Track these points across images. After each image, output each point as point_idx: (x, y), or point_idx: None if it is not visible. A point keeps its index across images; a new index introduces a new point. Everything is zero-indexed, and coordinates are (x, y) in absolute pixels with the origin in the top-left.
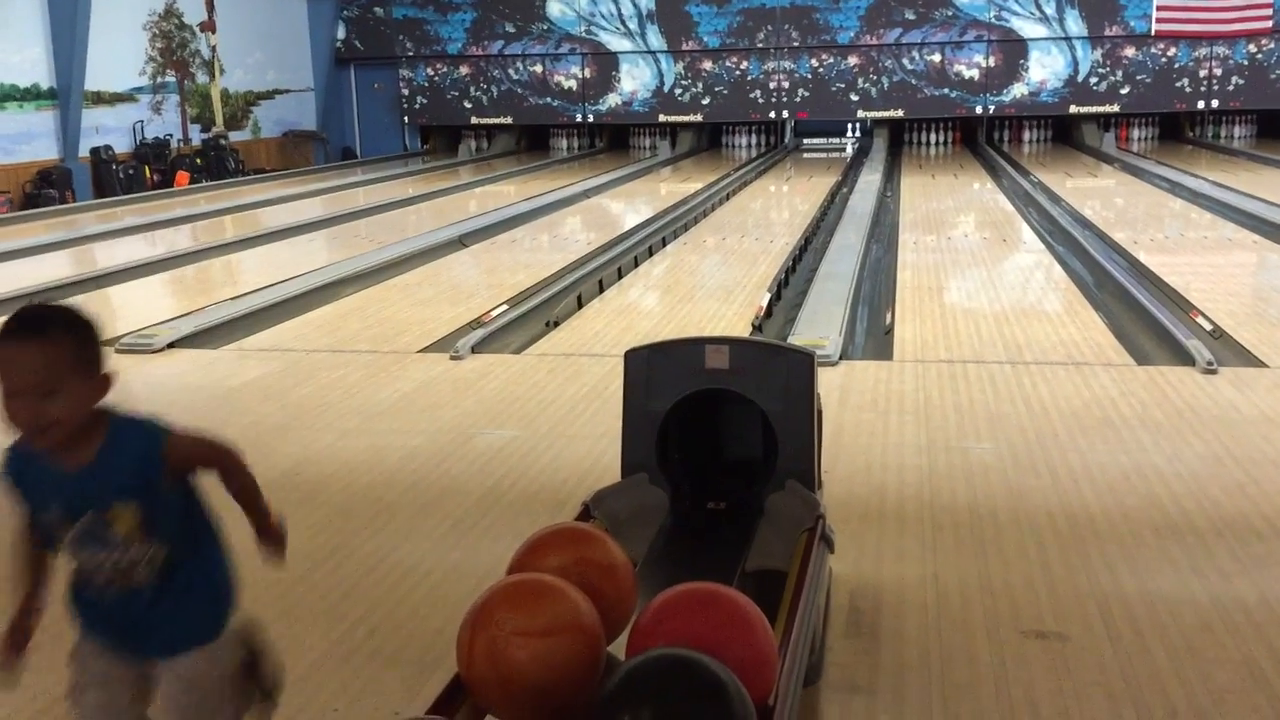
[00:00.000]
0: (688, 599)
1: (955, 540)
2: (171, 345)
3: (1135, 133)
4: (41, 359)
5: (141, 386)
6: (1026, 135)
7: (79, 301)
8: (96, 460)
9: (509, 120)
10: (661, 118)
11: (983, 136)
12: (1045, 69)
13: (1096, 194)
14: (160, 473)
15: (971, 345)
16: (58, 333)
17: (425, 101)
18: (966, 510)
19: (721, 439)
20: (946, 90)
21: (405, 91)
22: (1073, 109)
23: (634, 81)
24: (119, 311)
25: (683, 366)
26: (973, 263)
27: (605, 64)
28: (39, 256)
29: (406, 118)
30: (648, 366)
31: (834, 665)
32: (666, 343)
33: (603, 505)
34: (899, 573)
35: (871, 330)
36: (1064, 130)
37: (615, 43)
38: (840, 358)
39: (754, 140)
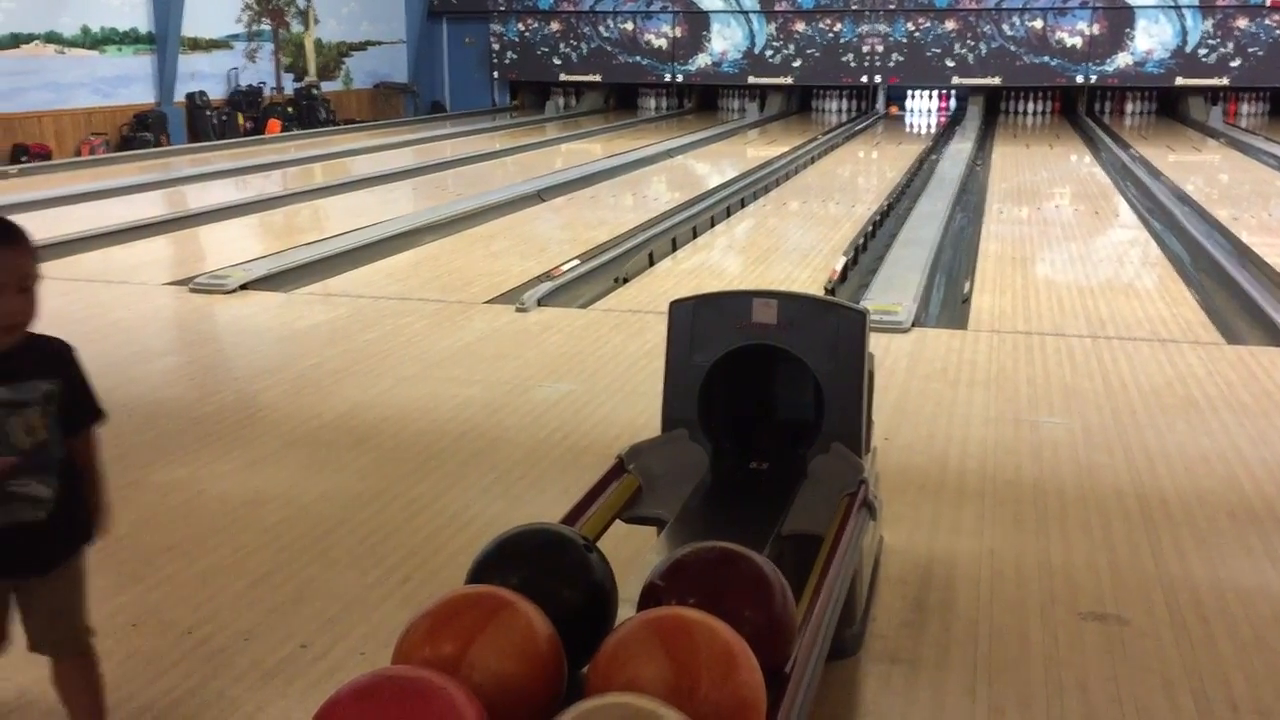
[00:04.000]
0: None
1: (1015, 516)
2: (244, 287)
3: (1244, 108)
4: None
5: (208, 326)
6: (1129, 107)
7: (166, 241)
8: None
9: (598, 78)
10: (751, 79)
11: (1083, 108)
12: (1152, 38)
13: (1200, 170)
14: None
15: (1052, 318)
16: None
17: (515, 57)
18: (1031, 486)
19: (769, 397)
20: (1047, 58)
21: (495, 46)
22: (1179, 81)
23: (725, 42)
24: (204, 252)
25: (729, 320)
26: (1062, 236)
27: (696, 23)
28: (132, 196)
29: (496, 73)
30: (693, 318)
31: (877, 637)
32: (713, 295)
33: (638, 460)
34: (953, 546)
35: (948, 299)
36: (1169, 103)
37: (707, 1)
38: (913, 325)
39: (844, 105)
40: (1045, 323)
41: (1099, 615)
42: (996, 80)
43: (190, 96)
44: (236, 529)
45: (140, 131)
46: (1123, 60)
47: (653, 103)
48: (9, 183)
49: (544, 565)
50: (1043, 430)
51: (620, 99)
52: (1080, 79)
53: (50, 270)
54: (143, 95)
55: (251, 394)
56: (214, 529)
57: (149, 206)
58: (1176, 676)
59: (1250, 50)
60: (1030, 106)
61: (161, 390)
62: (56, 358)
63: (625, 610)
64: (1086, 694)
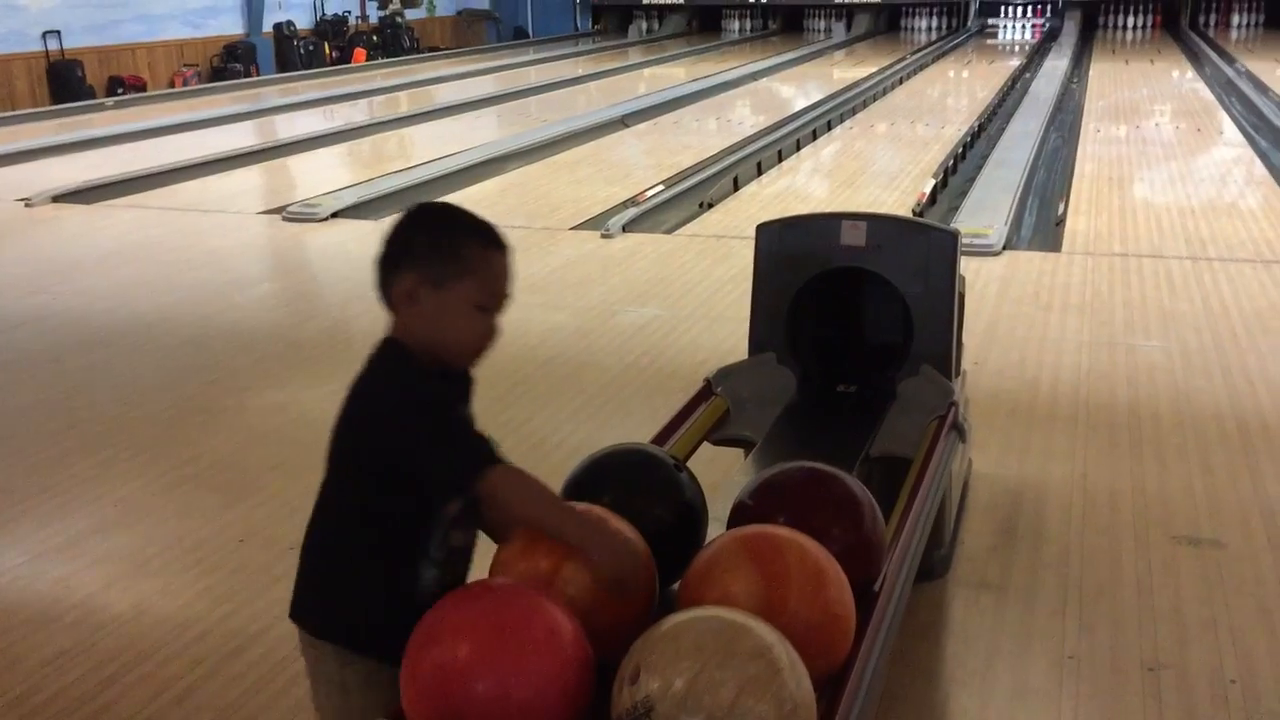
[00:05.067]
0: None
1: (1109, 441)
2: (335, 215)
3: None
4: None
5: (301, 254)
6: (1235, 19)
7: (258, 171)
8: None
9: (680, 1)
10: None
11: (1186, 21)
12: None
13: None
14: None
15: (1150, 240)
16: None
17: None
18: (1126, 410)
19: (858, 320)
20: None
21: None
22: None
23: None
24: (295, 181)
25: (817, 243)
26: (1162, 155)
27: None
28: (224, 127)
29: None
30: (780, 241)
31: (965, 560)
32: (801, 217)
33: (726, 382)
34: (1044, 471)
35: (1041, 221)
36: (1278, 14)
37: None
38: (1004, 248)
39: (934, 23)
40: (1143, 245)
41: (1194, 540)
42: None
43: (278, 27)
44: None
45: (230, 62)
46: None
47: (736, 25)
48: (106, 114)
49: (635, 483)
50: (1139, 354)
51: (704, 22)
52: None
53: (150, 200)
54: (231, 26)
55: (345, 320)
56: (314, 449)
57: (241, 136)
58: (1273, 602)
59: None
60: (1130, 20)
61: (259, 316)
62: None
63: (715, 529)
64: (1180, 618)
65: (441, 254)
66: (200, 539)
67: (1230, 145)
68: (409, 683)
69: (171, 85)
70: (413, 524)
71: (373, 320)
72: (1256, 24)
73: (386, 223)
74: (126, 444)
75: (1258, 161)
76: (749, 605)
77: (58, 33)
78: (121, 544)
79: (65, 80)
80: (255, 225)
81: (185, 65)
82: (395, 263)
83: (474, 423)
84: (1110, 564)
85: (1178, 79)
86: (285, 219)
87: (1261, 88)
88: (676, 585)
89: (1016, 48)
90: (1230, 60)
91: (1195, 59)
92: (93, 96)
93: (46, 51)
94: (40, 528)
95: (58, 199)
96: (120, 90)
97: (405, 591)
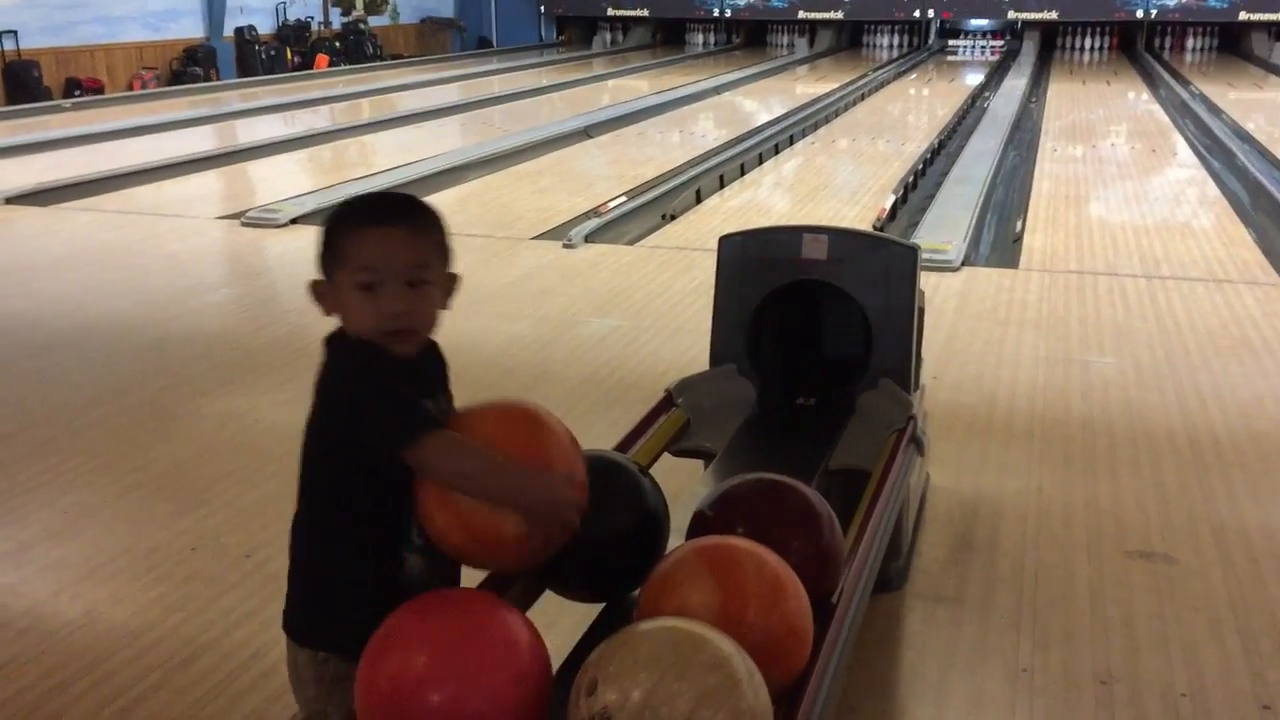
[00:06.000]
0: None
1: (1064, 455)
2: (295, 220)
3: None
4: (410, 242)
5: (260, 259)
6: (1190, 43)
7: (217, 175)
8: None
9: (645, 13)
10: (801, 14)
11: (1142, 43)
12: None
13: (1261, 107)
14: None
15: (1105, 257)
16: (425, 219)
17: None
18: (1080, 425)
19: (818, 333)
20: None
21: None
22: (1243, 16)
23: None
24: (255, 186)
25: (779, 255)
26: (1118, 175)
27: None
28: (183, 130)
29: (543, 8)
30: (742, 254)
31: (921, 573)
32: (763, 230)
33: (687, 393)
34: (1000, 485)
35: (999, 238)
36: (1231, 39)
37: None
38: (963, 263)
39: (896, 40)
40: (1098, 262)
41: (1146, 554)
42: (1053, 14)
43: (239, 31)
44: (291, 457)
45: (190, 66)
46: None
47: (700, 38)
48: (64, 116)
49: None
50: (1093, 370)
51: (668, 35)
52: (1140, 13)
53: (106, 203)
54: (192, 30)
55: (302, 326)
56: (270, 457)
57: (200, 141)
58: (1224, 616)
59: None
60: (1088, 42)
61: (216, 322)
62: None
63: (674, 540)
64: (1132, 632)
65: (323, 249)
66: (152, 546)
67: (1184, 166)
68: (363, 692)
69: (130, 88)
70: (387, 510)
71: (330, 326)
72: (1210, 48)
73: None
74: (78, 450)
75: (1210, 182)
76: (707, 616)
77: (14, 33)
78: (71, 551)
79: (21, 81)
80: (213, 230)
81: (144, 68)
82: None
83: (419, 400)
84: (1064, 578)
85: (1133, 100)
86: (244, 224)
87: (1215, 110)
88: (636, 593)
89: (976, 66)
90: (1185, 83)
91: (1151, 81)
92: (49, 98)
93: (2, 51)
94: None
95: (11, 200)
96: (78, 92)
97: (391, 583)
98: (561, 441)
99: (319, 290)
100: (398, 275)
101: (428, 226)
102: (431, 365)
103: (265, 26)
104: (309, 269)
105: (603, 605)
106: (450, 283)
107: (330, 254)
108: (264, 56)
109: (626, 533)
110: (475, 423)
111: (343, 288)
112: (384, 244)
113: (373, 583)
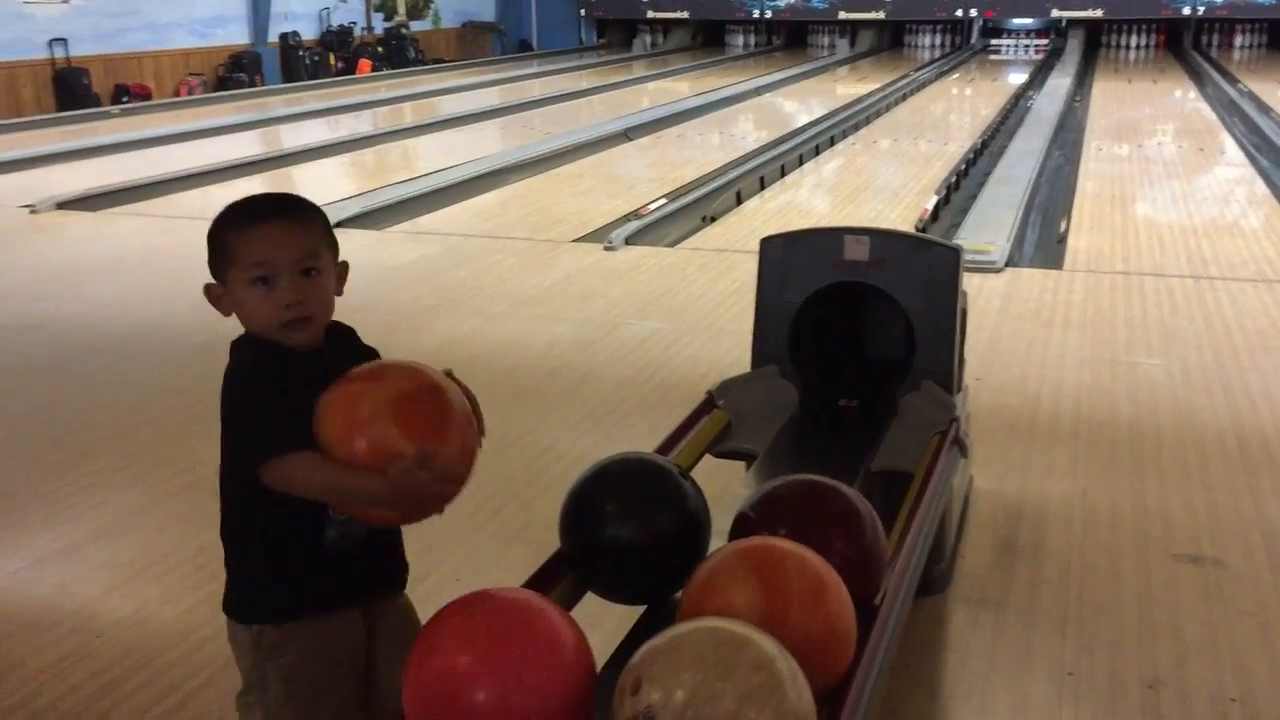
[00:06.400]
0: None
1: (1110, 457)
2: (338, 225)
3: None
4: (297, 235)
5: None
6: (1238, 40)
7: (262, 180)
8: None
9: (685, 15)
10: (842, 15)
11: (1189, 41)
12: None
13: None
14: None
15: (1152, 258)
16: (310, 214)
17: None
18: (1127, 427)
19: (860, 335)
20: None
21: None
22: None
23: None
24: (299, 190)
25: (820, 257)
26: (1164, 174)
27: None
28: (229, 136)
29: (583, 11)
30: (784, 255)
31: (965, 575)
32: (804, 231)
33: (728, 395)
34: (1045, 488)
35: (1043, 239)
36: None
37: None
38: (1007, 264)
39: (937, 40)
40: (1144, 263)
41: (1195, 558)
42: (1098, 12)
43: (284, 37)
44: None
45: (236, 72)
46: None
47: (741, 39)
48: (112, 122)
49: (640, 491)
50: (1140, 371)
51: (708, 36)
52: (1187, 10)
53: (154, 208)
54: (237, 36)
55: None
56: None
57: (246, 146)
58: (1274, 621)
59: None
60: (1133, 40)
61: None
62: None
63: (717, 541)
64: (1180, 636)
65: (211, 253)
66: (201, 545)
67: (1232, 165)
68: (411, 690)
69: (176, 94)
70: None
71: (376, 330)
72: (1259, 45)
73: (391, 232)
74: (128, 451)
75: (1259, 181)
76: (750, 617)
77: (64, 40)
78: (122, 550)
79: (71, 88)
80: None
81: (191, 74)
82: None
83: (292, 416)
84: (1110, 581)
85: (1180, 98)
86: None
87: (1264, 108)
88: (678, 595)
89: (1020, 65)
90: (1233, 80)
91: (1198, 79)
92: (98, 104)
93: (53, 59)
94: (41, 533)
95: (62, 206)
96: (125, 98)
97: (313, 554)
98: (454, 413)
99: (214, 294)
100: (290, 266)
101: (312, 219)
102: (339, 352)
103: (309, 32)
104: (352, 272)
105: (645, 607)
106: (343, 270)
107: (220, 256)
108: (308, 62)
109: (668, 536)
110: (372, 390)
111: (237, 287)
112: (272, 238)
113: (294, 556)
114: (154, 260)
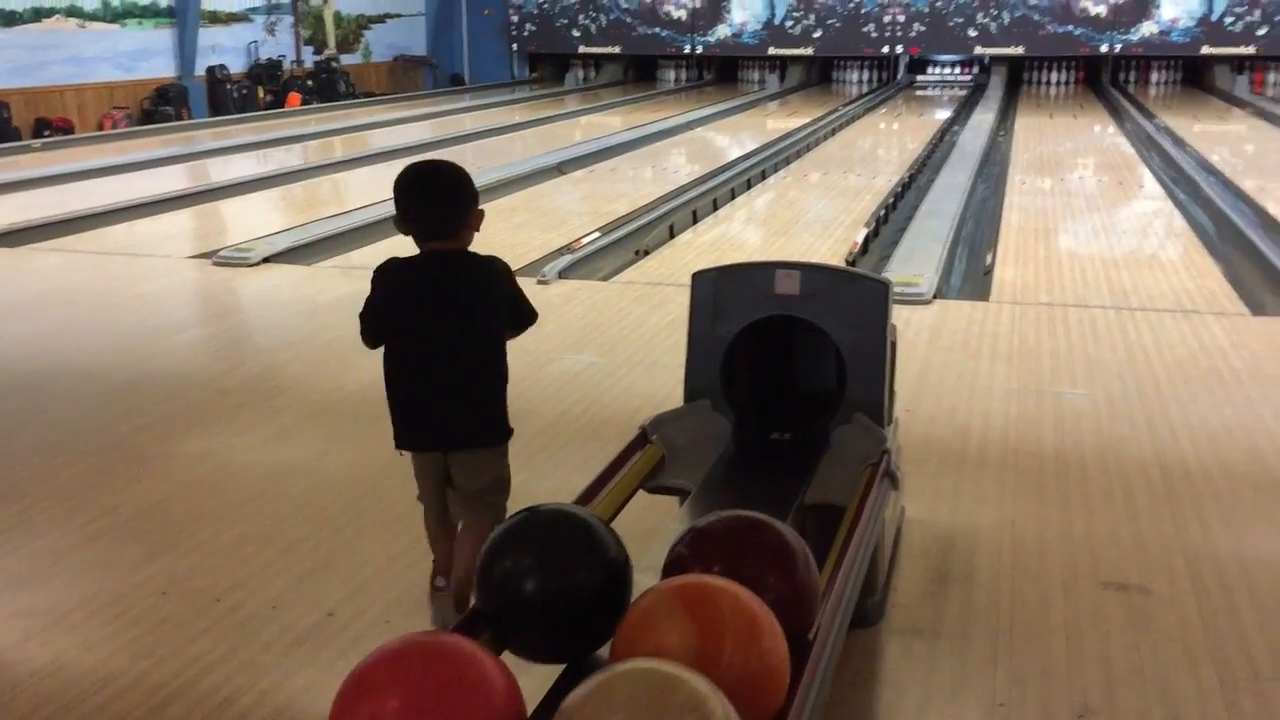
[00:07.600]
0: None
1: (1038, 487)
2: (267, 260)
3: (1271, 77)
4: None
5: (232, 299)
6: (1154, 77)
7: (189, 214)
8: None
9: (617, 50)
10: (771, 50)
11: (1107, 77)
12: (1177, 7)
13: (1225, 140)
14: None
15: (1075, 289)
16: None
17: (534, 29)
18: (1053, 457)
19: (792, 368)
20: (1071, 27)
21: (514, 19)
22: (1205, 50)
23: (744, 12)
24: (227, 225)
25: (752, 291)
26: (1086, 207)
27: None
28: (154, 170)
29: (515, 45)
30: (715, 290)
31: (898, 607)
32: (735, 266)
33: (661, 430)
34: (975, 518)
35: (970, 271)
36: (1194, 73)
37: None
38: (935, 297)
39: (865, 76)
40: (1068, 294)
41: (1121, 585)
42: (1020, 50)
43: (211, 70)
44: (264, 499)
45: (161, 105)
46: (1148, 29)
47: (672, 74)
48: (33, 156)
49: (553, 551)
50: (1065, 401)
51: (640, 71)
52: (1105, 48)
53: (77, 243)
54: (163, 69)
55: (276, 366)
56: (242, 499)
57: (171, 180)
58: (1199, 646)
59: (1278, 18)
60: (1054, 76)
61: (188, 362)
62: None
63: (650, 578)
64: (1108, 664)
65: (472, 201)
66: (122, 591)
67: (1150, 198)
68: None
69: (100, 127)
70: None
71: (306, 366)
72: (1174, 81)
73: (321, 267)
74: (47, 493)
75: (1177, 214)
76: (684, 655)
77: None
78: (39, 596)
79: None
80: (185, 270)
81: (115, 108)
82: (466, 205)
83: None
84: (1040, 610)
85: (1100, 133)
86: (216, 263)
87: (1179, 142)
88: (609, 644)
89: (945, 101)
90: (1149, 116)
91: (1116, 114)
92: (18, 138)
93: None
94: None
95: None
96: (47, 132)
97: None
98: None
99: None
100: None
101: None
102: None
103: (237, 65)
104: (281, 309)
105: None
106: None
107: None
108: (236, 95)
109: (587, 593)
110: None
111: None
112: None
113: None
114: (76, 297)
